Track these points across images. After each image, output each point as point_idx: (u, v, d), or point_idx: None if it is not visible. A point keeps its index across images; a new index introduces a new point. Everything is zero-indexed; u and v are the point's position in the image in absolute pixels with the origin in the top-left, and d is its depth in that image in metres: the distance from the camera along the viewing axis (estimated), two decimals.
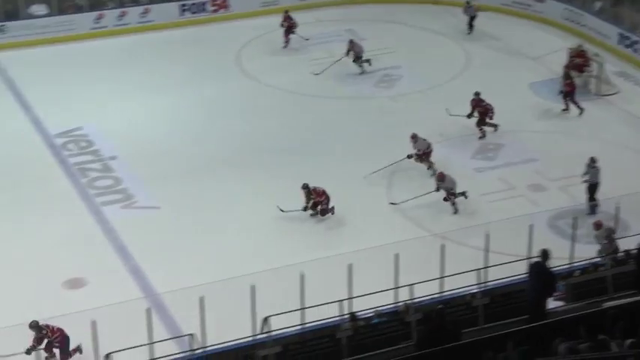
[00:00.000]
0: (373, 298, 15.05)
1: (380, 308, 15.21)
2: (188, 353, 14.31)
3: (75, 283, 18.25)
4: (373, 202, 20.60)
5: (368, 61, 26.96)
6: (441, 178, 20.36)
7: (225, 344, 14.46)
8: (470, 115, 23.28)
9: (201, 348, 14.33)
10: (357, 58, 26.88)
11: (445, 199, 20.30)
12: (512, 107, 24.81)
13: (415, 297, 15.09)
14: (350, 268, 15.41)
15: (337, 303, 14.84)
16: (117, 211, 20.74)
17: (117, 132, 24.03)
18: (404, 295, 15.43)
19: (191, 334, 14.29)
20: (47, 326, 15.39)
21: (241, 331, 14.64)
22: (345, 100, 25.77)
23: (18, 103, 25.45)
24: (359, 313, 14.97)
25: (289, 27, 28.69)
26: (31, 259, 18.91)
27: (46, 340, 15.35)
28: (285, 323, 14.44)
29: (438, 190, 20.36)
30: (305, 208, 20.00)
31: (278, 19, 29.11)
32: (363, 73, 26.91)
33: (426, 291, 15.36)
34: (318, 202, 19.99)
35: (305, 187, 19.92)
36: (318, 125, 24.35)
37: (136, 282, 18.35)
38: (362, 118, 24.58)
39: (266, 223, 19.92)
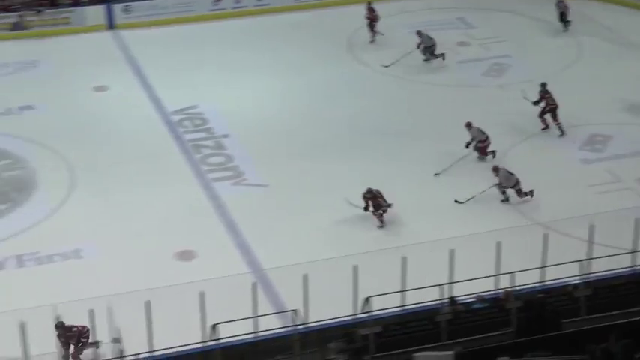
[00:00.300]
0: (473, 283, 14.86)
1: (481, 294, 15.01)
2: (291, 328, 14.38)
3: (186, 255, 18.55)
4: (479, 187, 20.25)
5: (442, 55, 26.26)
6: (495, 172, 19.89)
7: (327, 321, 14.48)
8: (536, 103, 22.62)
9: (304, 324, 14.38)
10: (426, 50, 26.22)
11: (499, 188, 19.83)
12: (623, 99, 24.10)
13: (516, 285, 14.84)
14: (452, 253, 15.24)
15: (437, 287, 14.70)
16: (227, 188, 20.99)
17: (230, 111, 24.28)
18: (504, 283, 15.20)
19: (294, 310, 14.35)
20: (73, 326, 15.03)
21: (342, 310, 14.63)
22: (453, 88, 25.43)
23: (139, 81, 25.96)
24: (459, 298, 14.81)
25: (371, 20, 27.80)
26: (146, 229, 19.31)
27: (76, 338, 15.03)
28: (385, 304, 14.37)
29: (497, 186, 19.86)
30: (366, 209, 19.36)
31: (391, 5, 28.88)
32: (427, 60, 26.27)
33: (527, 279, 15.08)
34: (381, 204, 19.28)
35: (369, 191, 19.27)
36: (425, 111, 24.10)
37: (243, 257, 18.54)
38: (468, 106, 24.21)
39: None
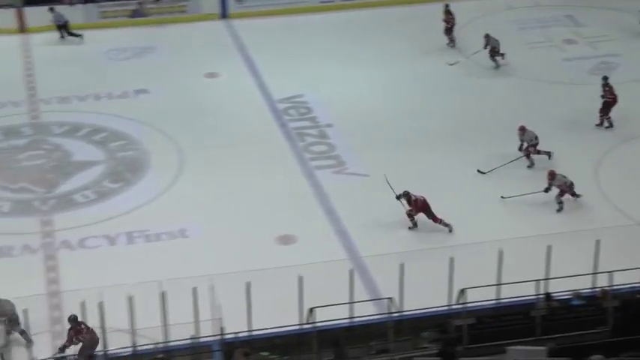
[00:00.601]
0: (569, 281, 14.55)
1: (578, 291, 14.69)
2: (385, 316, 14.33)
3: (286, 240, 18.68)
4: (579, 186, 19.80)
5: (502, 55, 25.55)
6: (552, 176, 19.25)
7: (421, 311, 14.39)
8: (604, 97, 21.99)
9: (399, 312, 14.32)
10: (493, 53, 25.50)
11: (558, 197, 19.18)
12: None
13: (614, 284, 14.46)
14: (549, 249, 14.95)
15: (533, 282, 14.44)
16: (329, 176, 21.04)
17: (334, 102, 24.30)
18: (602, 282, 14.83)
19: (390, 298, 14.30)
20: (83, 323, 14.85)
21: (437, 300, 14.52)
22: (559, 86, 24.88)
23: (248, 69, 26.21)
24: (554, 294, 14.52)
25: (448, 24, 26.79)
26: (250, 213, 19.52)
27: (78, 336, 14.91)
28: (480, 297, 14.19)
29: (549, 188, 19.21)
30: (410, 212, 18.88)
31: (497, 1, 28.38)
32: (497, 67, 25.61)
33: (625, 279, 14.67)
34: (411, 213, 18.84)
35: (406, 194, 18.86)
36: (528, 108, 23.60)
37: (341, 243, 18.57)
38: (573, 105, 23.66)
39: (470, 198, 19.62)
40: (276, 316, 14.38)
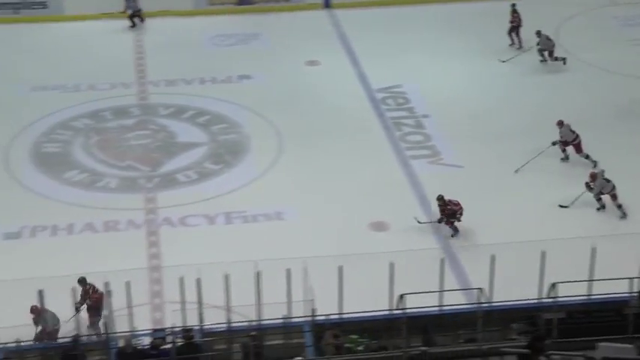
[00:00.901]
0: None
1: None
2: (475, 306, 14.11)
3: (379, 226, 18.60)
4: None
5: (564, 59, 24.70)
6: (593, 178, 18.60)
7: (511, 302, 14.11)
8: None
9: (488, 302, 14.08)
10: (542, 51, 24.72)
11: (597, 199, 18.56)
12: None
13: None
14: None
15: (627, 280, 14.00)
16: (423, 166, 20.85)
17: (432, 93, 24.05)
18: None
19: (480, 288, 14.07)
20: (92, 286, 15.60)
21: (527, 293, 14.22)
22: None
23: (348, 58, 26.13)
24: None
25: (513, 24, 25.94)
26: (344, 198, 19.50)
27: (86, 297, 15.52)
28: (572, 292, 13.84)
29: (589, 189, 18.62)
30: (440, 220, 18.39)
31: None
32: (543, 61, 24.78)
33: None
34: (453, 211, 18.26)
35: (440, 198, 18.35)
36: (631, 106, 22.92)
37: (433, 232, 18.39)
38: None
39: (566, 193, 19.18)
40: (367, 300, 14.30)
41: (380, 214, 18.82)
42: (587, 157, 20.30)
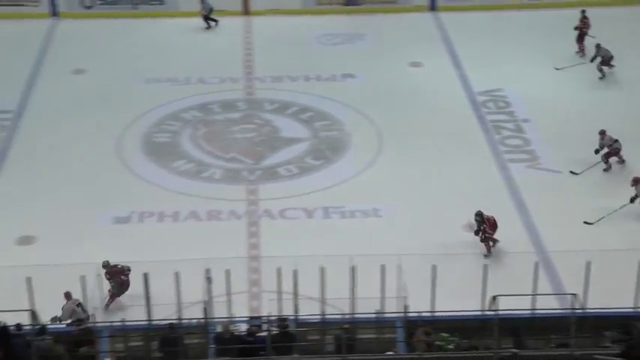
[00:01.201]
0: None
1: None
2: (568, 311, 13.77)
3: (474, 228, 18.32)
4: None
5: (612, 66, 23.77)
6: (636, 182, 17.94)
7: (606, 310, 13.71)
8: None
9: (582, 308, 13.72)
10: (603, 64, 23.75)
11: None
12: None
13: None
14: None
15: None
16: (521, 170, 20.49)
17: (533, 97, 23.60)
18: None
19: (574, 294, 13.72)
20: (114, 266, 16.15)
21: (622, 301, 13.80)
22: None
23: (451, 60, 25.86)
24: None
25: (582, 29, 25.10)
26: (441, 199, 19.32)
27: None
28: None
29: (635, 197, 17.89)
30: (476, 232, 17.70)
31: None
32: (602, 78, 23.85)
33: None
34: (486, 230, 17.50)
35: (479, 214, 17.56)
36: None
37: (529, 236, 18.06)
38: None
39: None
40: (459, 300, 14.12)
41: (472, 216, 18.52)
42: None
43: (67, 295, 15.19)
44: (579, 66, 24.65)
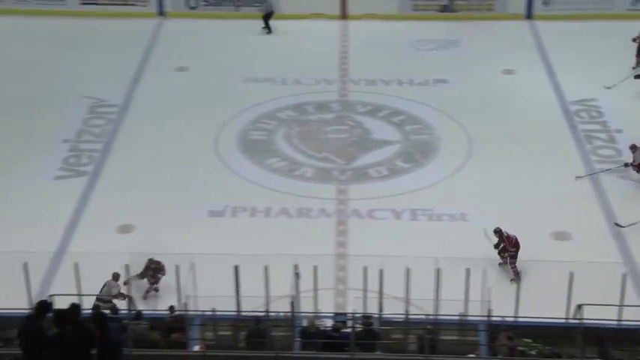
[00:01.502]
0: None
1: None
2: None
3: (561, 236, 18.02)
4: None
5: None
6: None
7: None
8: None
9: None
10: None
11: None
12: None
13: None
14: None
15: None
16: (612, 180, 19.99)
17: (627, 108, 23.01)
18: None
19: None
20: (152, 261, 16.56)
21: None
22: None
23: (544, 69, 25.41)
24: None
25: None
26: (529, 205, 19.03)
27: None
28: None
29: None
30: (496, 246, 16.93)
31: None
32: None
33: None
34: (507, 248, 16.78)
35: (498, 231, 16.89)
36: None
37: (617, 246, 17.64)
38: None
39: None
40: (543, 306, 13.88)
41: (563, 224, 18.22)
42: None
43: (115, 276, 15.71)
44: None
